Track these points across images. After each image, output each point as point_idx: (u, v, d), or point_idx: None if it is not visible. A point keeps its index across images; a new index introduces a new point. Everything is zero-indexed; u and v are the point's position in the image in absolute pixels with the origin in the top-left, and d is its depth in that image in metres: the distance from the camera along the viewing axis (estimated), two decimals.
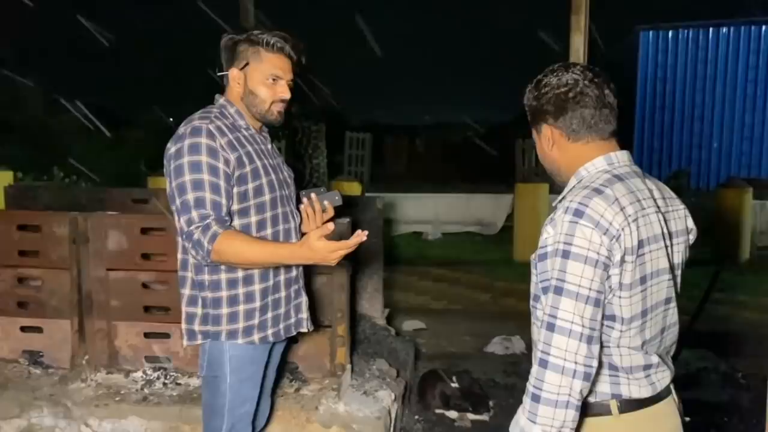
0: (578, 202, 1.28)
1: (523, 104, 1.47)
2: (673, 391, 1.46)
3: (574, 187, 1.37)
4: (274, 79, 1.94)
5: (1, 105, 12.28)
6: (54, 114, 13.39)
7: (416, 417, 3.40)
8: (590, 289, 1.25)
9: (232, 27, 1.98)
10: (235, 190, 1.86)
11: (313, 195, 2.04)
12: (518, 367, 4.08)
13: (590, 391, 1.30)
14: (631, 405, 1.36)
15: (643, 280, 1.32)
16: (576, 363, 1.23)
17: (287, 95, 1.97)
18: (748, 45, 14.06)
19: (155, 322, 2.92)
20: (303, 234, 2.01)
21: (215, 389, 1.96)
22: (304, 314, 2.12)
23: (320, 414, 2.63)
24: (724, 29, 14.21)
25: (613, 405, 1.35)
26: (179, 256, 1.96)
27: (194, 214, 1.79)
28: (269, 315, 1.97)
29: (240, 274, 1.91)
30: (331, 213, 2.07)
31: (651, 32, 14.71)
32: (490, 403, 3.47)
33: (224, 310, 1.91)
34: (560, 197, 1.39)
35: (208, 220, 1.78)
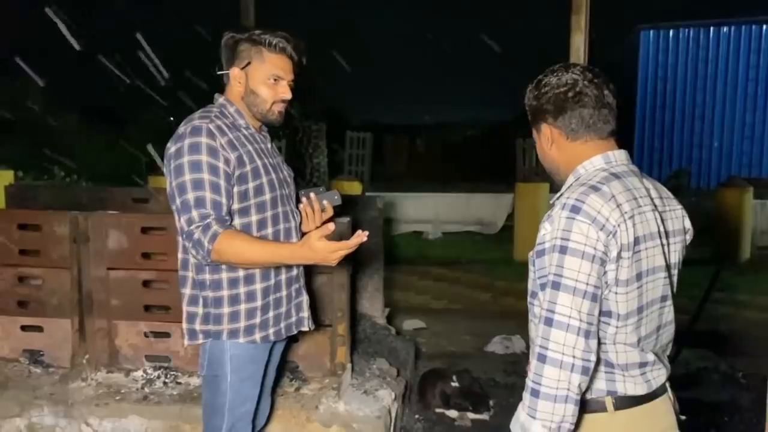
0: (575, 199, 1.30)
1: (524, 104, 1.48)
2: (669, 389, 1.47)
3: (571, 184, 1.39)
4: (275, 79, 1.94)
5: (1, 105, 12.27)
6: (54, 114, 13.39)
7: (416, 416, 3.40)
8: (587, 284, 1.26)
9: (233, 27, 1.98)
10: (235, 189, 1.87)
11: (312, 194, 2.04)
12: (518, 367, 4.08)
13: (586, 388, 1.31)
14: (626, 402, 1.36)
15: (639, 276, 1.33)
16: (574, 357, 1.24)
17: (288, 95, 1.97)
18: (748, 44, 14.07)
19: (156, 321, 2.92)
20: (303, 233, 2.01)
21: (216, 388, 1.96)
22: (305, 313, 2.12)
23: (320, 413, 2.63)
24: (725, 28, 14.22)
25: (609, 402, 1.36)
26: (180, 255, 1.96)
27: (194, 213, 1.79)
28: (270, 314, 1.98)
29: (241, 273, 1.91)
30: (330, 212, 2.08)
31: (651, 31, 14.72)
32: (491, 403, 3.47)
33: (225, 310, 1.91)
34: (558, 195, 1.40)
35: (208, 220, 1.78)
